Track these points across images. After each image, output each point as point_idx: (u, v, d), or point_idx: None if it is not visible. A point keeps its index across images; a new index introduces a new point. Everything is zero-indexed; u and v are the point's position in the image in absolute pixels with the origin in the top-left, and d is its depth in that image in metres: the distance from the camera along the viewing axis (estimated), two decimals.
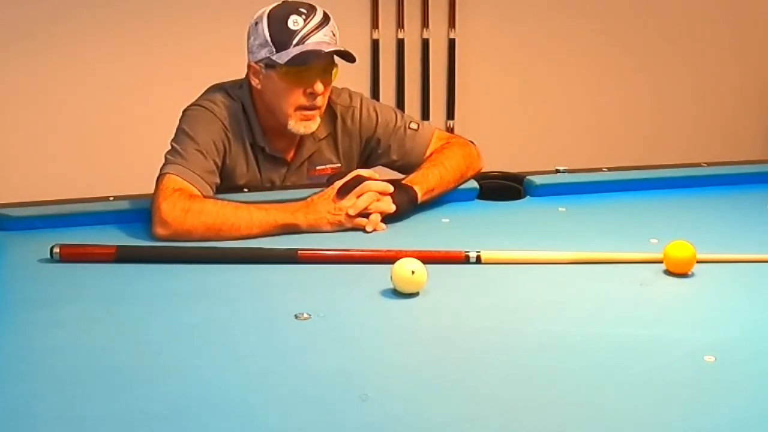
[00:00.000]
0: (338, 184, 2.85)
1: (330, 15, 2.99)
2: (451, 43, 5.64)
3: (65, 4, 4.98)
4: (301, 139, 3.13)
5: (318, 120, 3.04)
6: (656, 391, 1.83)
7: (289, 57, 2.91)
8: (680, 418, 1.73)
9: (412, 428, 1.70)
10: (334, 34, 2.97)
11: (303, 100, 2.97)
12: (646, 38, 5.96)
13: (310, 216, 2.81)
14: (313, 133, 3.11)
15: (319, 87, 2.95)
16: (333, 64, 3.00)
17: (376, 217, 2.83)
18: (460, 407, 1.78)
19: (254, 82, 3.04)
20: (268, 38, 2.95)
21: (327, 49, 2.93)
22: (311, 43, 2.91)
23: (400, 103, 5.53)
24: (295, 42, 2.91)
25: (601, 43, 5.89)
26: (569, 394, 1.82)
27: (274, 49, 2.94)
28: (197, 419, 1.71)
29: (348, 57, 2.98)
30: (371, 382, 1.87)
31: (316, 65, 2.95)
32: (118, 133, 5.17)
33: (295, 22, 2.92)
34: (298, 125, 3.00)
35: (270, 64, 2.97)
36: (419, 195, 2.95)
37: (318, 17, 2.95)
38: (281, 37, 2.93)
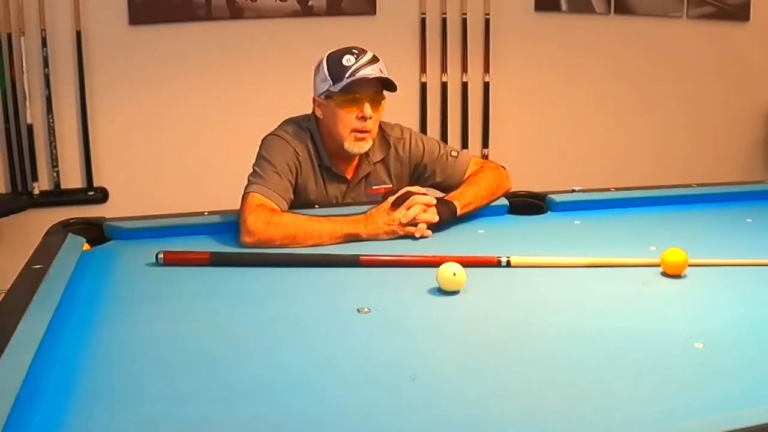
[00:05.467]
0: (392, 198, 2.88)
1: (378, 57, 3.01)
2: (486, 86, 5.64)
3: (180, 56, 5.14)
4: (359, 162, 3.15)
5: (370, 141, 3.05)
6: (654, 372, 1.82)
7: (343, 85, 2.95)
8: (674, 395, 1.72)
9: (452, 402, 1.71)
10: (381, 71, 2.99)
11: (356, 123, 2.99)
12: (647, 86, 5.99)
13: (369, 227, 2.83)
14: (368, 157, 3.13)
15: (368, 110, 2.97)
16: (381, 95, 3.02)
17: (423, 225, 2.85)
18: (493, 385, 1.78)
19: (318, 113, 3.08)
20: (327, 74, 2.99)
21: (371, 75, 2.95)
22: (361, 74, 2.94)
23: (444, 135, 5.55)
24: (347, 75, 2.94)
25: (610, 88, 5.92)
26: (582, 376, 1.82)
27: (331, 83, 2.98)
28: (277, 394, 1.73)
29: (390, 86, 3.02)
30: (420, 365, 1.88)
31: (366, 93, 2.98)
32: (211, 160, 5.25)
33: (348, 59, 2.97)
34: (352, 145, 3.02)
35: (329, 95, 3.01)
36: (458, 208, 2.96)
37: (368, 56, 2.99)
38: (337, 71, 2.97)
